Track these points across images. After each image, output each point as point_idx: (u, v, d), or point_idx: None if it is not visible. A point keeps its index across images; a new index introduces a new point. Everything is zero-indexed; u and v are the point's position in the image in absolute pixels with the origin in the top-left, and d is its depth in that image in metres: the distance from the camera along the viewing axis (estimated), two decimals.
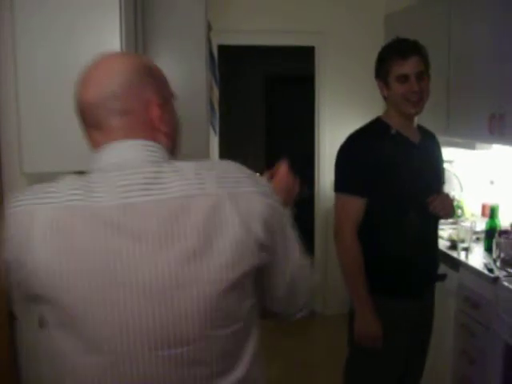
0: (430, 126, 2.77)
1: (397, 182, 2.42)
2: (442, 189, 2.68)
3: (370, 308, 2.40)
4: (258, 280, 1.23)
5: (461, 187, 4.15)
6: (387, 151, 2.42)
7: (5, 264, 1.15)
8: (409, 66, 2.37)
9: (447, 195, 2.61)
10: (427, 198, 2.45)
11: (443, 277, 2.80)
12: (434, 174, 2.61)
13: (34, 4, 2.12)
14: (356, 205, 2.41)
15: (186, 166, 1.19)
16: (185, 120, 3.44)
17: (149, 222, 1.11)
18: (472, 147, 3.60)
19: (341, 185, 2.50)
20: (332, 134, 4.79)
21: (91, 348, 1.12)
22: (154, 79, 1.27)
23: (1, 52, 2.11)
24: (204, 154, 3.42)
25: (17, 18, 2.10)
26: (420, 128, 2.61)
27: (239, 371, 1.21)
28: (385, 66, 2.44)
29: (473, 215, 3.98)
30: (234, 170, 1.24)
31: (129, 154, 1.19)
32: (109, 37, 2.17)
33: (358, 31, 4.83)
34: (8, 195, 2.14)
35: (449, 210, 2.55)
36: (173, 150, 1.30)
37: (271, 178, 1.63)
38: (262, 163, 7.76)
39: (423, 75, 2.40)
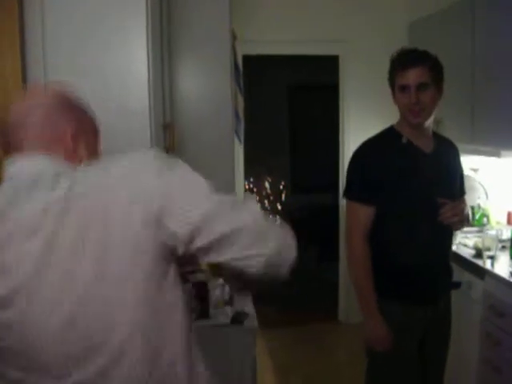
0: (454, 133, 2.77)
1: (405, 190, 2.43)
2: (458, 197, 2.65)
3: (376, 312, 2.43)
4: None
5: (486, 195, 4.12)
6: (396, 160, 2.45)
7: None
8: (409, 77, 2.38)
9: (459, 202, 2.57)
10: (438, 207, 2.43)
11: (457, 285, 2.78)
12: (448, 183, 2.60)
13: (63, 11, 2.17)
14: (365, 213, 2.45)
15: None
16: (210, 129, 3.50)
17: None
18: (497, 155, 3.58)
19: (350, 192, 2.54)
20: (356, 142, 4.70)
21: None
22: (71, 112, 1.38)
23: (31, 60, 2.16)
24: (229, 162, 3.46)
25: (46, 26, 2.15)
26: (437, 136, 2.62)
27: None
28: (391, 76, 2.48)
29: (498, 223, 3.95)
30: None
31: (39, 166, 1.28)
32: (135, 49, 2.21)
33: (381, 39, 4.83)
34: None
35: (459, 217, 2.50)
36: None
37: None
38: (286, 171, 7.78)
39: (427, 87, 2.38)
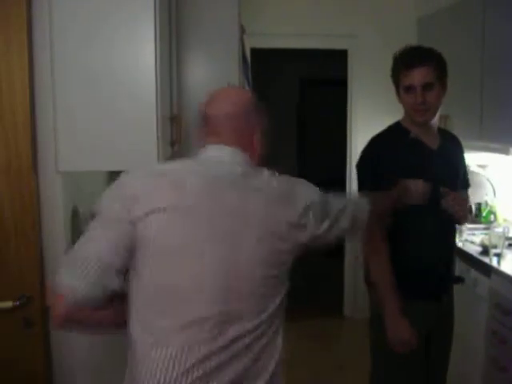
0: (462, 130, 2.75)
1: None
2: (459, 191, 2.62)
3: (398, 313, 2.38)
4: None
5: (494, 192, 4.11)
6: (406, 156, 2.43)
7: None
8: (413, 78, 2.35)
9: (461, 195, 2.55)
10: (441, 196, 2.42)
11: (460, 280, 2.77)
12: (453, 178, 2.59)
13: (71, 3, 2.17)
14: None
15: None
16: None
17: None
18: (506, 152, 3.55)
19: (364, 189, 2.50)
20: (365, 136, 4.64)
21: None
22: (258, 112, 1.73)
23: (38, 52, 2.16)
24: None
25: (54, 18, 2.14)
26: (441, 132, 2.60)
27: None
28: (395, 75, 2.46)
29: (505, 220, 3.94)
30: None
31: (227, 155, 1.65)
32: (143, 42, 2.21)
33: (390, 34, 4.80)
34: (43, 193, 2.19)
35: (462, 209, 2.48)
36: (255, 165, 1.71)
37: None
38: (293, 164, 7.77)
39: (432, 86, 2.37)
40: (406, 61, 2.40)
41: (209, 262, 1.50)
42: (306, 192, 1.69)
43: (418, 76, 2.35)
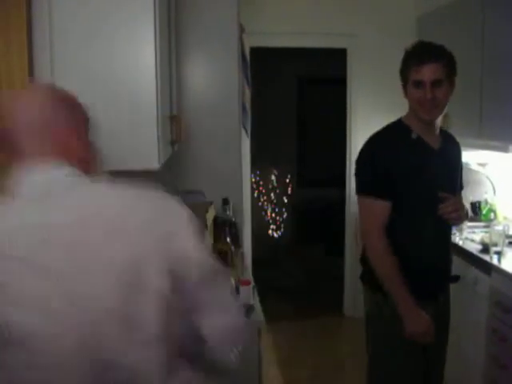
0: (462, 128, 2.75)
1: (414, 186, 2.41)
2: (457, 193, 2.63)
3: (414, 304, 2.39)
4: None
5: (494, 190, 4.11)
6: (407, 156, 2.42)
7: None
8: (424, 73, 2.35)
9: (458, 199, 2.54)
10: (440, 201, 2.42)
11: (456, 278, 2.78)
12: (452, 179, 2.59)
13: (71, 3, 2.17)
14: (381, 207, 2.41)
15: None
16: (217, 121, 3.49)
17: None
18: (505, 150, 3.56)
19: (364, 187, 2.49)
20: (364, 136, 4.63)
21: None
22: (66, 108, 1.34)
23: (38, 52, 2.16)
24: (236, 154, 3.45)
25: (54, 19, 2.14)
26: (443, 132, 2.60)
27: None
28: (405, 71, 2.45)
29: (505, 218, 3.93)
30: None
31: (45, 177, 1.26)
32: (143, 42, 2.21)
33: (390, 33, 4.80)
34: None
35: (459, 213, 2.48)
36: (88, 170, 1.36)
37: None
38: (293, 164, 7.76)
39: (441, 83, 2.36)
40: (418, 56, 2.39)
41: (60, 346, 1.16)
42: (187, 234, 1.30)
43: (428, 72, 2.34)
